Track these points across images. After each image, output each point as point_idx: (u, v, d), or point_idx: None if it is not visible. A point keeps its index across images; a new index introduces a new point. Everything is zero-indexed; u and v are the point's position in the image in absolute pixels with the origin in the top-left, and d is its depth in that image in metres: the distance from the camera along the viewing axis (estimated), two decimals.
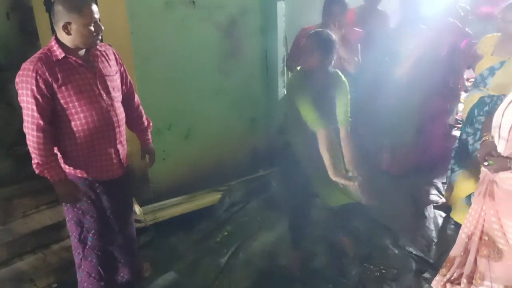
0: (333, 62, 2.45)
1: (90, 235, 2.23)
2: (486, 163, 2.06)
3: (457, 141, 3.17)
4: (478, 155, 2.13)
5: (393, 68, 3.46)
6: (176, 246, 3.06)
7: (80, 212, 2.18)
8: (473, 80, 3.11)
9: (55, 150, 2.04)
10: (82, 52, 2.02)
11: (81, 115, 2.00)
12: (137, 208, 3.08)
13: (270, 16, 3.60)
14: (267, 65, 3.79)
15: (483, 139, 2.17)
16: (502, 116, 2.03)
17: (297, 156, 2.61)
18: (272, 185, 3.72)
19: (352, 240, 3.04)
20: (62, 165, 2.07)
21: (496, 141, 2.07)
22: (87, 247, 2.25)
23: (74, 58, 1.97)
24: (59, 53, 1.94)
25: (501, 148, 2.03)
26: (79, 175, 2.12)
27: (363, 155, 2.77)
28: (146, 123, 2.46)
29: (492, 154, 2.05)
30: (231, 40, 3.50)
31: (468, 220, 2.30)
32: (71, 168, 2.10)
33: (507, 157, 1.98)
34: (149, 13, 3.01)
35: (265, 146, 4.02)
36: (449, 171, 3.22)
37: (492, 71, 2.79)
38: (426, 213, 3.39)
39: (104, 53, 2.12)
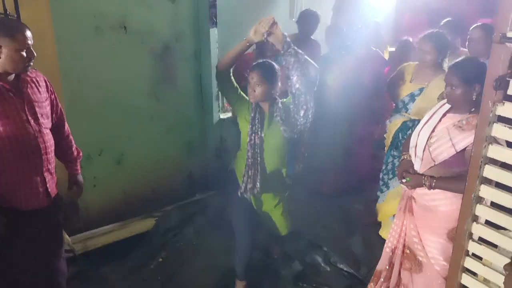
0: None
1: (13, 268, 2.09)
2: (404, 180, 2.22)
3: (384, 164, 3.30)
4: (397, 172, 2.30)
5: (321, 94, 3.63)
6: (108, 276, 2.94)
7: (1, 244, 2.04)
8: None
9: None
10: (11, 77, 1.97)
11: (6, 140, 1.92)
12: (65, 238, 2.93)
13: (204, 41, 3.67)
14: (202, 90, 3.84)
15: (402, 157, 2.35)
16: (418, 136, 2.20)
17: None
18: (210, 209, 3.70)
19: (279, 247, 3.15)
20: None
21: (413, 160, 2.24)
22: (10, 281, 2.10)
23: (1, 83, 1.91)
24: None
25: (417, 166, 2.20)
26: (1, 205, 2.00)
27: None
28: (75, 153, 2.40)
29: (409, 172, 2.22)
30: (164, 65, 3.51)
31: (391, 235, 2.43)
32: None
33: (422, 175, 2.15)
34: (78, 38, 2.97)
35: (202, 170, 4.02)
36: (379, 191, 3.37)
37: (412, 97, 2.97)
38: (356, 231, 3.52)
39: (34, 80, 2.08)
